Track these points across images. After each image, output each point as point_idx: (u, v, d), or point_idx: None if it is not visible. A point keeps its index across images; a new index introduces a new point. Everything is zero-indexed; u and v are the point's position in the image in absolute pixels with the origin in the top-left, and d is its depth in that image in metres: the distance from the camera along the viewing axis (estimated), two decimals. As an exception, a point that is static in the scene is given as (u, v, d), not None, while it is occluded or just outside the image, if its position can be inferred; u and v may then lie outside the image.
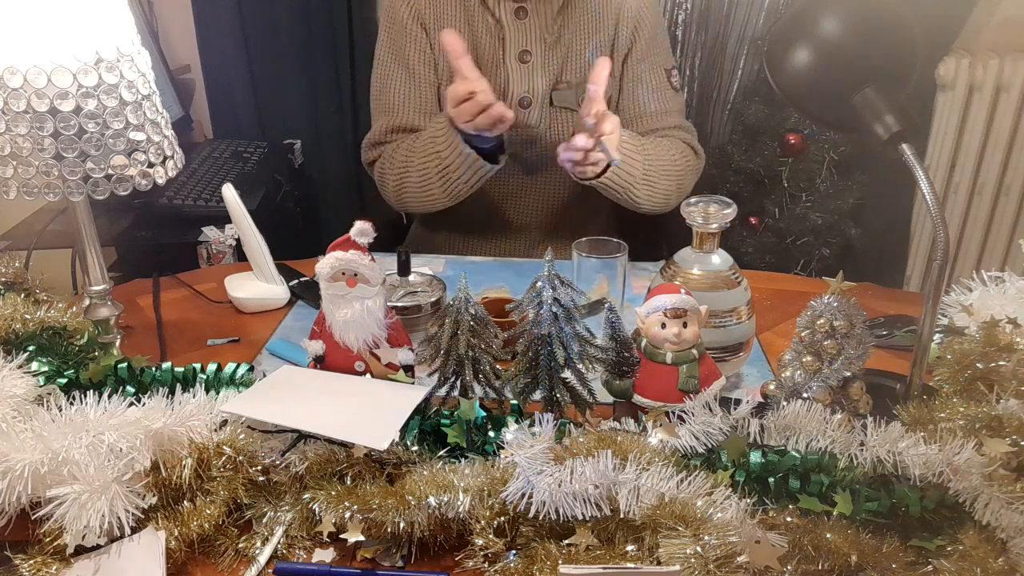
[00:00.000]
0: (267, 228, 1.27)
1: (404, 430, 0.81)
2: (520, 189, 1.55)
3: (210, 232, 1.82)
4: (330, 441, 0.81)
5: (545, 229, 1.58)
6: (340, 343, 0.92)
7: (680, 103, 1.57)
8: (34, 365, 0.90)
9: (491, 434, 0.84)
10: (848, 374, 0.86)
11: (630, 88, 1.52)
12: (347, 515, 0.75)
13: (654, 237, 1.74)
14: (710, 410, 0.81)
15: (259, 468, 0.80)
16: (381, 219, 1.63)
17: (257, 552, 0.77)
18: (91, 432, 0.76)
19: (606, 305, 0.91)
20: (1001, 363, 0.91)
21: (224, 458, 0.79)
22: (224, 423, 0.83)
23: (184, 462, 0.78)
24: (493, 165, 1.37)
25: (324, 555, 0.78)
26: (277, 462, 0.82)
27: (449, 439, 0.82)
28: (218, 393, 0.88)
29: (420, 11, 1.46)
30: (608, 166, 1.32)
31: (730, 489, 0.73)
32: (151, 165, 0.95)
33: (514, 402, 0.88)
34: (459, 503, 0.74)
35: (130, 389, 0.90)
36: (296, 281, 1.31)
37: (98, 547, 0.74)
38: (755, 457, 0.77)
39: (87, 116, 0.89)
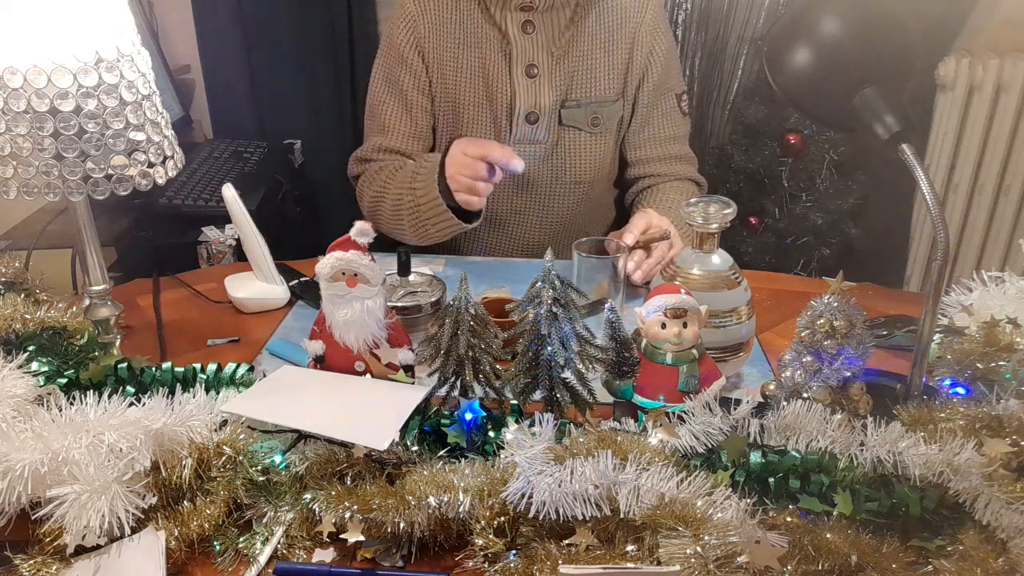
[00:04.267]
0: (267, 228, 1.27)
1: (404, 430, 0.81)
2: (525, 206, 1.54)
3: (210, 232, 1.82)
4: (330, 441, 0.81)
5: (547, 243, 1.57)
6: (340, 343, 0.92)
7: (687, 128, 1.60)
8: (34, 365, 0.90)
9: (491, 434, 0.84)
10: (848, 374, 0.86)
11: (643, 114, 1.54)
12: (347, 515, 0.75)
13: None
14: (710, 410, 0.81)
15: (259, 468, 0.80)
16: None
17: (257, 552, 0.77)
18: (91, 432, 0.76)
19: (606, 305, 0.91)
20: (1001, 363, 0.91)
21: (224, 458, 0.79)
22: (224, 423, 0.83)
23: (184, 462, 0.78)
24: (463, 223, 1.35)
25: (324, 555, 0.78)
26: (277, 462, 0.82)
27: (449, 439, 0.82)
28: (218, 393, 0.88)
29: (419, 39, 1.44)
30: None
31: (730, 489, 0.73)
32: (151, 165, 0.95)
33: (514, 402, 0.88)
34: (459, 503, 0.74)
35: (130, 389, 0.90)
36: (296, 281, 1.31)
37: (98, 547, 0.74)
38: (755, 457, 0.77)
39: (87, 116, 0.89)
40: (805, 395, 0.86)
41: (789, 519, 0.73)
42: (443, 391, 0.90)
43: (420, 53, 1.45)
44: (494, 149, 1.26)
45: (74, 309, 1.02)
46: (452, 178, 1.29)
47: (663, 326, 0.87)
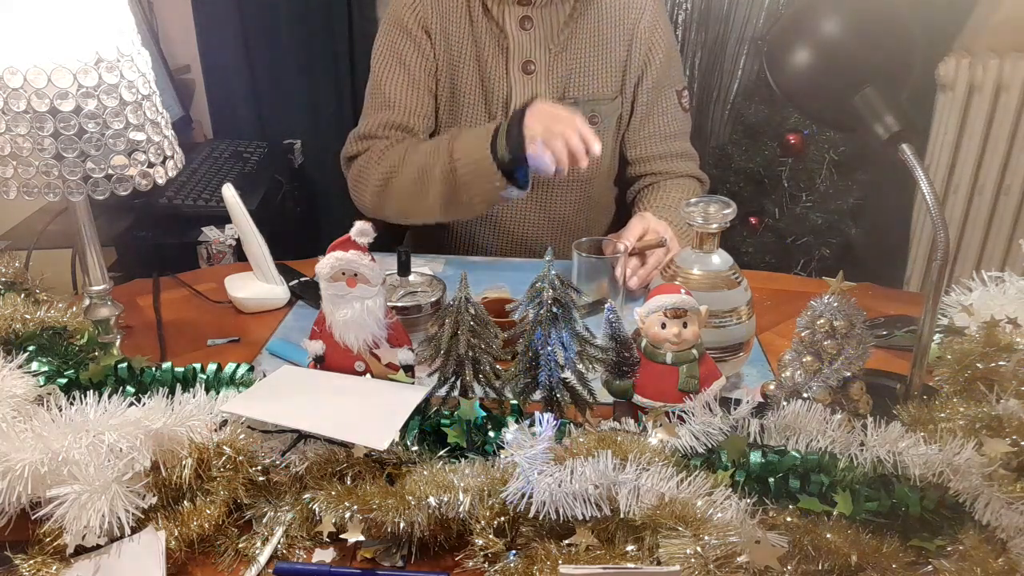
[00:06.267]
0: (267, 228, 1.27)
1: (404, 430, 0.81)
2: (524, 205, 1.54)
3: (210, 232, 1.82)
4: (330, 441, 0.81)
5: (547, 242, 1.57)
6: (340, 343, 0.92)
7: (687, 124, 1.59)
8: (34, 365, 0.90)
9: (491, 434, 0.84)
10: (848, 374, 0.86)
11: (642, 112, 1.53)
12: (347, 515, 0.75)
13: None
14: (710, 410, 0.81)
15: (259, 468, 0.80)
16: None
17: (257, 552, 0.77)
18: (91, 432, 0.76)
19: (606, 305, 0.91)
20: (1001, 363, 0.91)
21: (224, 458, 0.79)
22: (224, 423, 0.83)
23: (184, 462, 0.78)
24: (515, 188, 1.28)
25: (324, 555, 0.78)
26: (277, 462, 0.82)
27: (449, 439, 0.82)
28: (218, 393, 0.88)
29: (425, 19, 1.44)
30: None
31: (730, 489, 0.73)
32: (151, 165, 0.95)
33: (514, 402, 0.88)
34: (459, 503, 0.74)
35: (130, 389, 0.90)
36: (296, 281, 1.31)
37: (98, 547, 0.74)
38: (755, 457, 0.77)
39: (87, 116, 0.89)
40: (805, 395, 0.86)
41: (789, 519, 0.73)
42: (443, 391, 0.90)
43: (427, 32, 1.44)
44: (585, 125, 1.21)
45: (74, 309, 1.02)
46: (548, 130, 1.20)
47: (663, 326, 0.87)
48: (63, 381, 0.90)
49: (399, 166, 1.38)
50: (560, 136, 1.20)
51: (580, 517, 0.72)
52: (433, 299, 1.17)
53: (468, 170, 1.28)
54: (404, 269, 1.20)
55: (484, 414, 0.85)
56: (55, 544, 0.74)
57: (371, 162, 1.43)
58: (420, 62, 1.45)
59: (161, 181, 0.96)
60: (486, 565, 0.74)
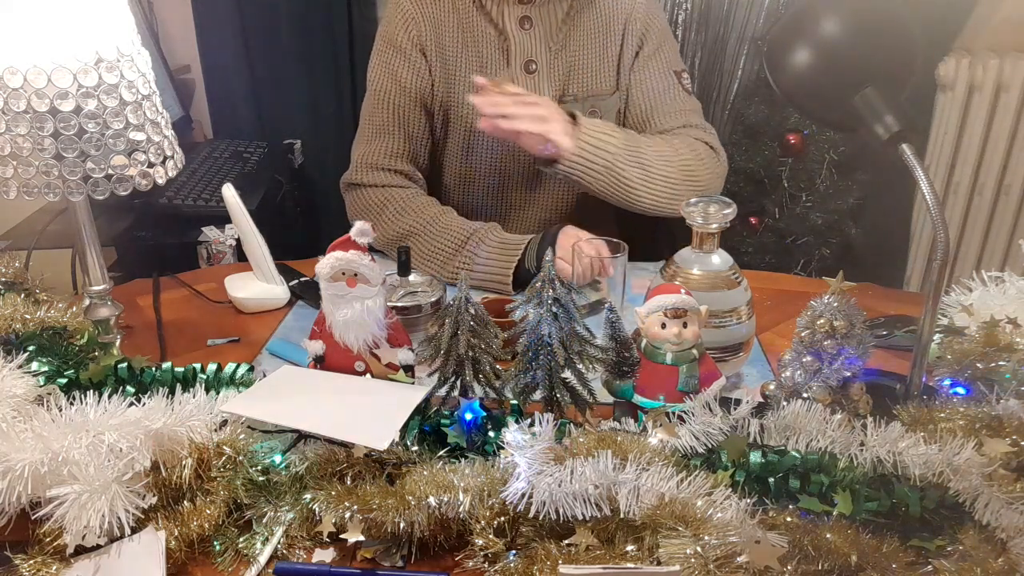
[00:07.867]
0: (267, 228, 1.27)
1: (404, 430, 0.81)
2: (522, 202, 1.54)
3: (210, 232, 1.82)
4: (330, 441, 0.81)
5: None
6: (340, 343, 0.92)
7: (694, 104, 1.55)
8: (34, 365, 0.90)
9: (491, 434, 0.84)
10: (848, 374, 0.86)
11: (638, 91, 1.51)
12: (347, 515, 0.75)
13: (654, 237, 1.73)
14: (710, 410, 0.81)
15: (259, 468, 0.80)
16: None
17: (257, 552, 0.77)
18: (91, 432, 0.76)
19: (606, 305, 0.91)
20: (1001, 363, 0.91)
21: (224, 458, 0.79)
22: (224, 423, 0.83)
23: (184, 462, 0.78)
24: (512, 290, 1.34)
25: (324, 555, 0.78)
26: (276, 462, 0.82)
27: (449, 439, 0.82)
28: (218, 393, 0.88)
29: (420, 36, 1.43)
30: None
31: (730, 489, 0.73)
32: (151, 165, 0.95)
33: (514, 402, 0.88)
34: (459, 503, 0.74)
35: (130, 389, 0.90)
36: (296, 281, 1.31)
37: (98, 547, 0.74)
38: (755, 457, 0.77)
39: (87, 116, 0.89)
40: (805, 395, 0.86)
41: (789, 519, 0.73)
42: (443, 391, 0.90)
43: (422, 51, 1.45)
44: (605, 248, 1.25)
45: (74, 309, 1.02)
46: (572, 250, 1.24)
47: (663, 326, 0.87)
48: (63, 381, 0.90)
49: (416, 232, 1.39)
50: (583, 260, 1.24)
51: (580, 517, 0.72)
52: (433, 299, 1.17)
53: (484, 279, 1.32)
54: (404, 269, 1.20)
55: (484, 414, 0.85)
56: (55, 544, 0.74)
57: (385, 213, 1.43)
58: (416, 81, 1.45)
59: (161, 181, 0.96)
60: (486, 565, 0.74)
